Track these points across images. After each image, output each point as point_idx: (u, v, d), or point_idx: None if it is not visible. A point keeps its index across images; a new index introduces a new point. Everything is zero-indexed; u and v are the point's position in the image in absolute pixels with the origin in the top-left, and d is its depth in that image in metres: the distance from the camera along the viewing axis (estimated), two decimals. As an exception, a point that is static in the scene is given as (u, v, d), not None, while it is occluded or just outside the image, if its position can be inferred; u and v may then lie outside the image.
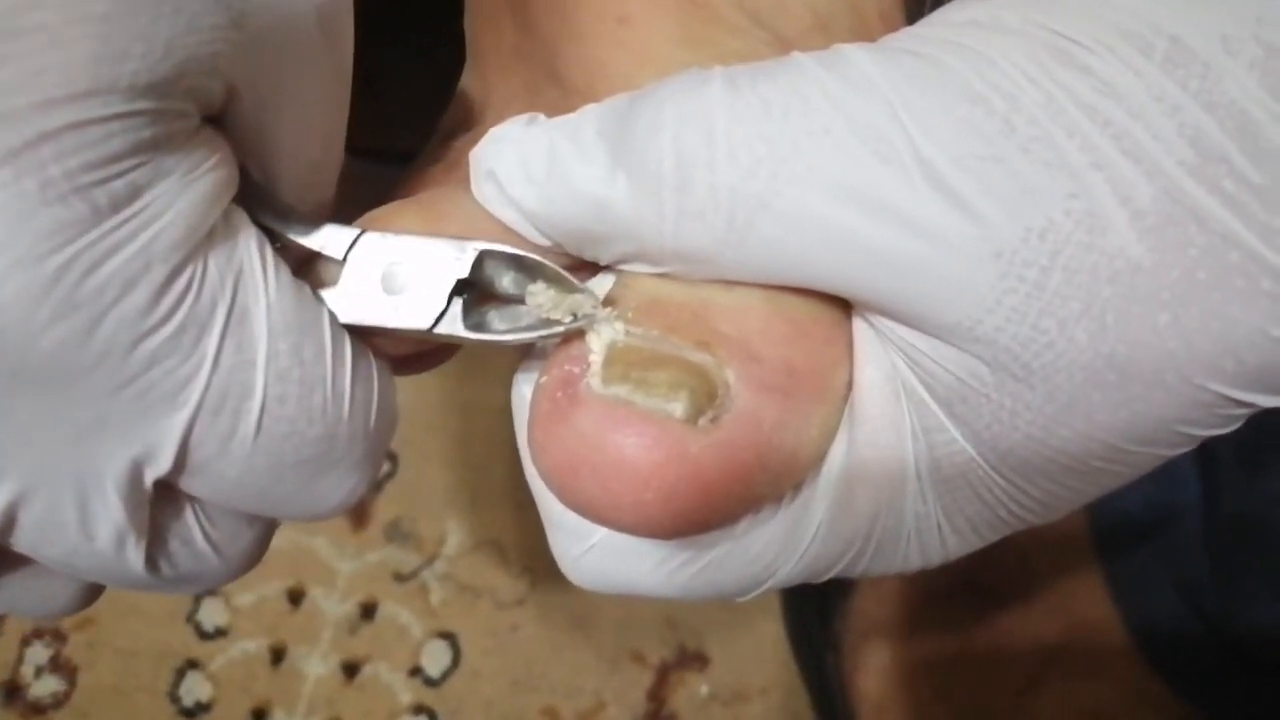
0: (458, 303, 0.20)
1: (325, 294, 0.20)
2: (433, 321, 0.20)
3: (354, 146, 0.46)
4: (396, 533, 0.66)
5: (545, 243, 0.21)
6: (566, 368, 0.19)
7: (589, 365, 0.19)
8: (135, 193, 0.16)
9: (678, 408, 0.18)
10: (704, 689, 0.62)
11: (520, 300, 0.20)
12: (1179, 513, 0.47)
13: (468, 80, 0.28)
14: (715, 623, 0.63)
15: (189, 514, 0.20)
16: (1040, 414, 0.17)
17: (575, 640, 0.63)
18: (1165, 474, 0.48)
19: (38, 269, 0.15)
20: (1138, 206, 0.16)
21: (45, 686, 0.63)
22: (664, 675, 0.62)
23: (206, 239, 0.18)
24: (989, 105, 0.17)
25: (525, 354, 0.23)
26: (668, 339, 0.19)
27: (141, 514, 0.19)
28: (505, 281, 0.21)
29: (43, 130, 0.15)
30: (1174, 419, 0.17)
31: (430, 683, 0.63)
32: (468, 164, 0.22)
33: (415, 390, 0.65)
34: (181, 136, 0.17)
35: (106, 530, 0.18)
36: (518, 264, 0.20)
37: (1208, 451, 0.46)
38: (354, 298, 0.20)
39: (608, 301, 0.21)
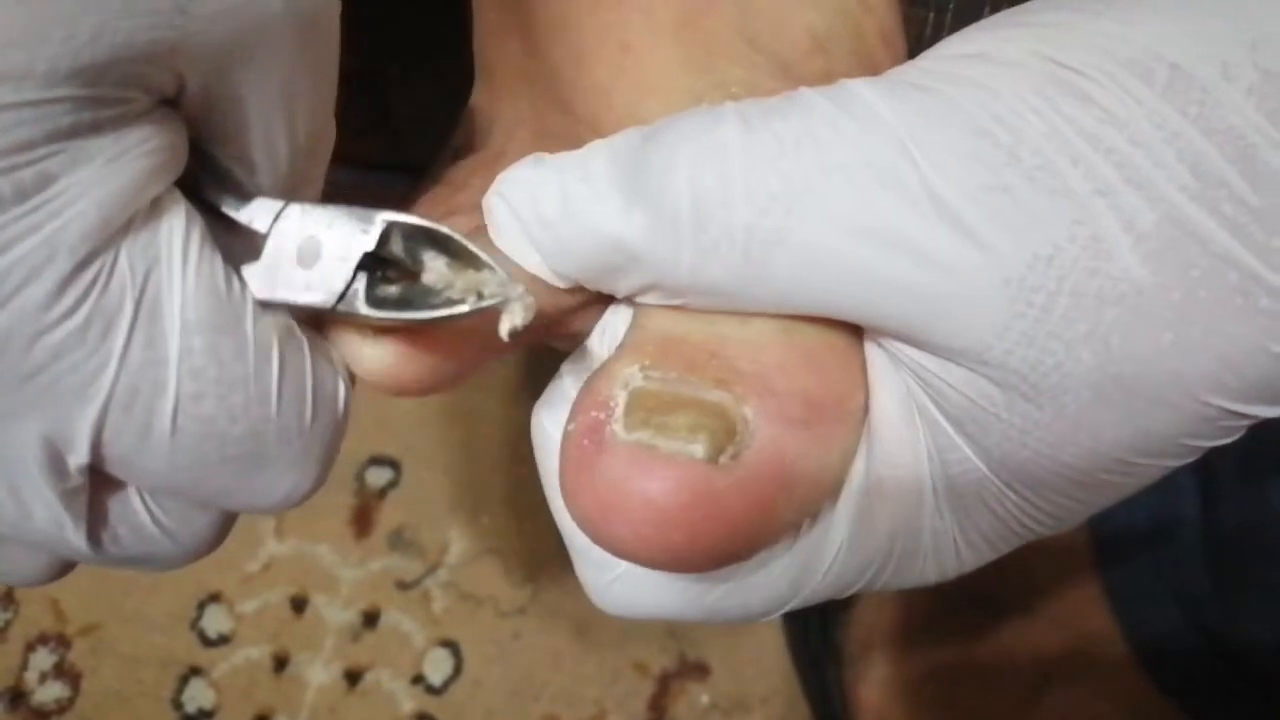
0: (361, 277, 0.19)
1: (246, 270, 0.20)
2: (336, 298, 0.19)
3: (364, 161, 0.47)
4: (399, 541, 0.66)
5: (563, 284, 0.21)
6: (592, 414, 0.20)
7: (612, 410, 0.19)
8: (45, 181, 0.16)
9: (699, 449, 0.19)
10: (705, 698, 0.62)
11: (420, 265, 0.20)
12: (1179, 526, 0.48)
13: (476, 99, 0.28)
14: (716, 632, 0.63)
15: (133, 498, 0.20)
16: (1049, 432, 0.18)
17: (577, 649, 0.63)
18: (1165, 487, 0.48)
19: None
20: (1140, 231, 0.16)
21: (49, 692, 0.63)
22: (665, 684, 0.62)
23: (123, 228, 0.17)
24: (994, 138, 0.17)
25: (531, 371, 0.23)
26: (686, 379, 0.20)
27: (75, 497, 0.19)
28: (420, 257, 0.20)
29: None
30: (1178, 433, 0.18)
31: (432, 691, 0.63)
32: (475, 188, 0.22)
33: (418, 399, 0.65)
34: (111, 122, 0.17)
35: (41, 511, 0.18)
36: (429, 237, 0.20)
37: (1207, 465, 0.46)
38: (270, 272, 0.20)
39: (626, 343, 0.21)
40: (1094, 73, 0.17)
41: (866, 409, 0.21)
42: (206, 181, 0.20)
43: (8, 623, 0.64)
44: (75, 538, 0.19)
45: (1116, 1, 0.18)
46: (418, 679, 0.63)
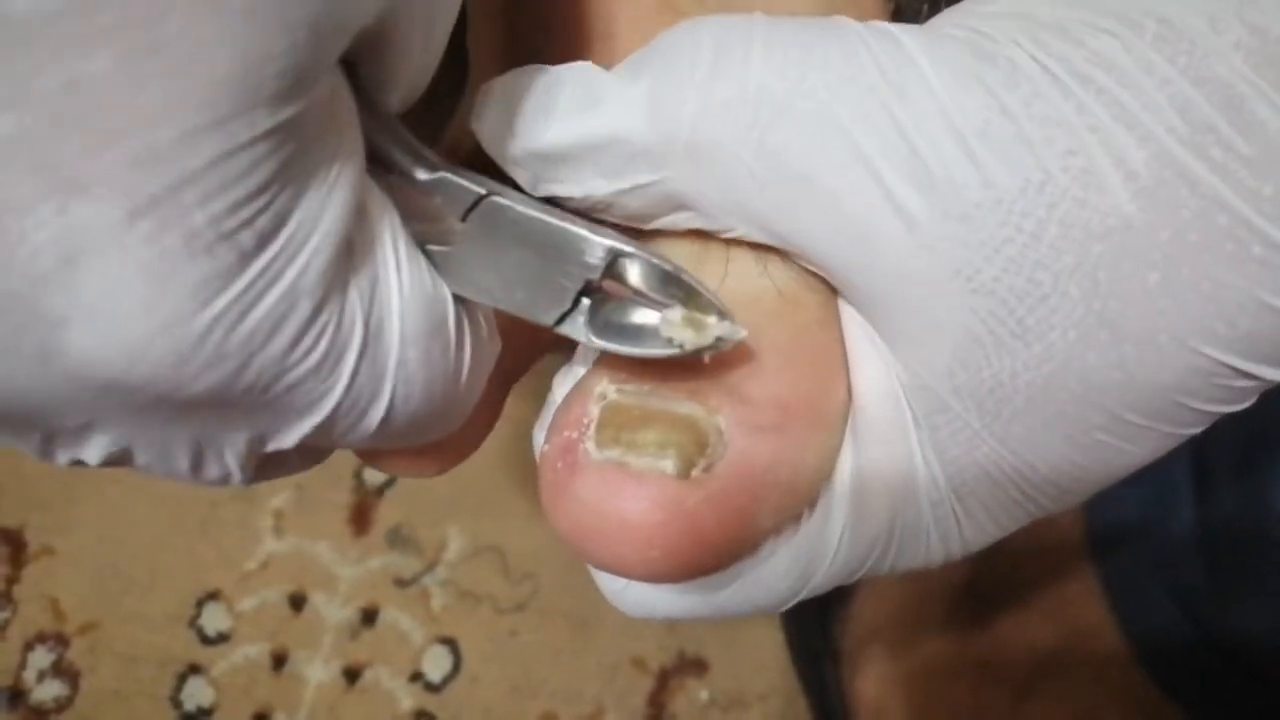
0: (585, 303, 0.19)
1: (438, 254, 0.19)
2: (556, 319, 0.19)
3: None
4: (397, 538, 0.66)
5: (527, 175, 0.20)
6: (565, 434, 0.20)
7: (586, 428, 0.19)
8: (280, 222, 0.14)
9: (669, 464, 0.19)
10: (704, 695, 0.63)
11: (645, 298, 0.19)
12: (1173, 520, 0.48)
13: (469, 94, 0.28)
14: (714, 629, 0.63)
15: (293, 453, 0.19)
16: (1039, 374, 0.18)
17: (575, 646, 0.63)
18: (1160, 481, 0.48)
19: (185, 329, 0.14)
20: (1131, 168, 0.16)
21: (48, 691, 0.63)
22: (664, 681, 0.63)
23: (348, 253, 0.16)
24: (995, 63, 0.17)
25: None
26: (658, 391, 0.20)
27: (251, 461, 0.18)
28: (633, 277, 0.19)
29: (187, 170, 0.13)
30: (1172, 386, 0.17)
31: (431, 688, 0.63)
32: None
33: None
34: (317, 129, 0.15)
35: (215, 474, 0.18)
36: (658, 273, 0.19)
37: (1201, 459, 0.46)
38: (471, 270, 0.19)
39: (602, 356, 0.21)
40: (1085, 23, 0.17)
41: (850, 397, 0.21)
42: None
43: (6, 621, 0.64)
44: (235, 481, 0.18)
45: None
46: (416, 676, 0.63)
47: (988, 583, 0.53)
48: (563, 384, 0.23)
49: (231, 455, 0.17)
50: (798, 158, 0.18)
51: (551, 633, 0.64)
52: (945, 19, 0.19)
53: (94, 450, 0.16)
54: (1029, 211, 0.17)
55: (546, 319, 0.19)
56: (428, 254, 0.19)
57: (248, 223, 0.14)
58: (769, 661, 0.62)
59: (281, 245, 0.14)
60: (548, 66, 0.20)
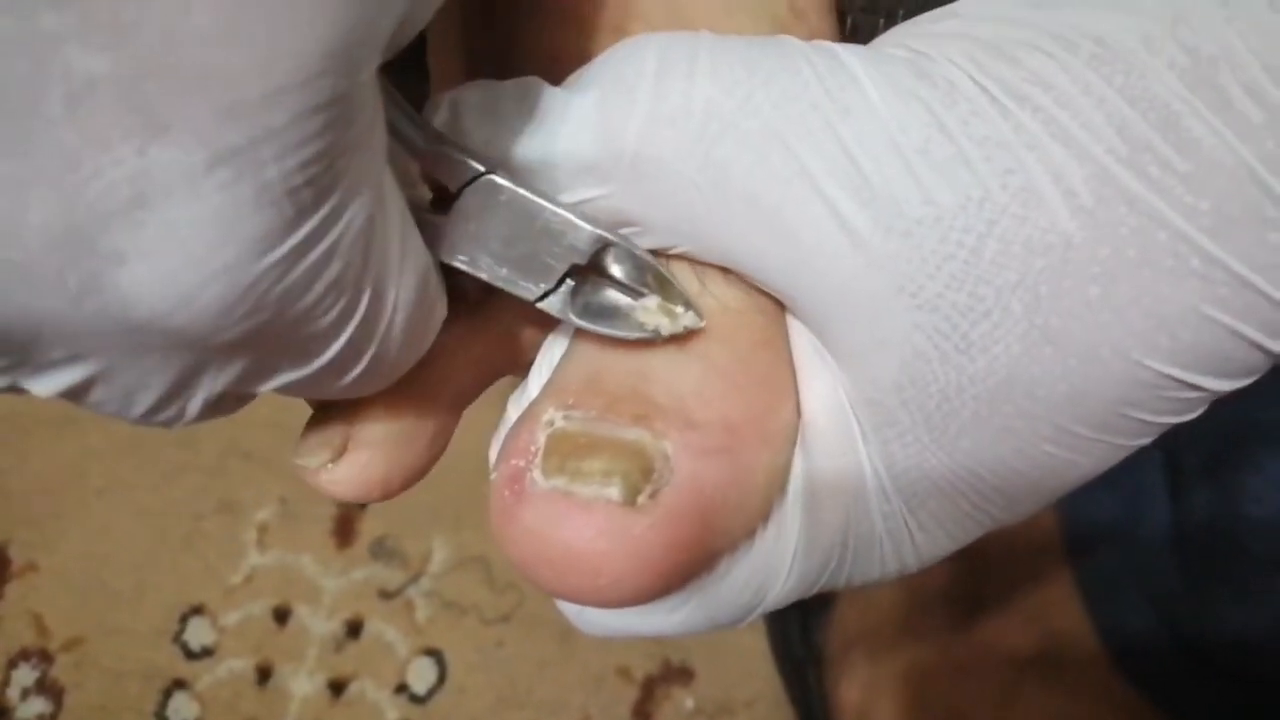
0: (567, 284, 0.20)
1: (429, 222, 0.19)
2: (539, 295, 0.20)
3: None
4: (381, 550, 0.66)
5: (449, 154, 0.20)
6: (513, 462, 0.20)
7: (533, 456, 0.19)
8: (335, 182, 0.14)
9: (614, 491, 0.19)
10: (689, 703, 0.63)
11: (623, 286, 0.20)
12: (1148, 523, 0.48)
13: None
14: (699, 637, 0.63)
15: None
16: (984, 388, 0.18)
17: (561, 656, 0.63)
18: (1134, 485, 0.49)
19: (238, 278, 0.14)
20: (1069, 186, 0.17)
21: (32, 708, 0.63)
22: (649, 690, 0.63)
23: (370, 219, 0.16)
24: (933, 82, 0.18)
25: (510, 381, 0.24)
26: (605, 418, 0.20)
27: (211, 404, 0.18)
28: (614, 266, 0.20)
29: (269, 126, 0.13)
30: (1116, 398, 0.18)
31: (416, 700, 0.63)
32: None
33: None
34: (370, 91, 0.15)
35: (169, 416, 0.17)
36: (636, 263, 0.20)
37: (1174, 462, 0.47)
38: (461, 241, 0.20)
39: (551, 382, 0.21)
40: (1021, 43, 0.17)
41: (798, 413, 0.21)
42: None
43: (-10, 638, 0.64)
44: (185, 421, 0.18)
45: None
46: (402, 688, 0.63)
47: (967, 588, 0.53)
48: (516, 405, 0.23)
49: (201, 398, 0.17)
50: (742, 173, 0.18)
51: (537, 643, 0.64)
52: (888, 38, 0.20)
53: (54, 383, 0.15)
54: (969, 228, 0.17)
55: (529, 294, 0.20)
56: (419, 221, 0.19)
57: (312, 181, 0.14)
58: (754, 669, 0.63)
59: (333, 205, 0.15)
60: (492, 81, 0.21)
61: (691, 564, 0.20)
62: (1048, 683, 0.51)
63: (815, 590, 0.22)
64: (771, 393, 0.21)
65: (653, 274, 0.20)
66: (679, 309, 0.20)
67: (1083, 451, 0.19)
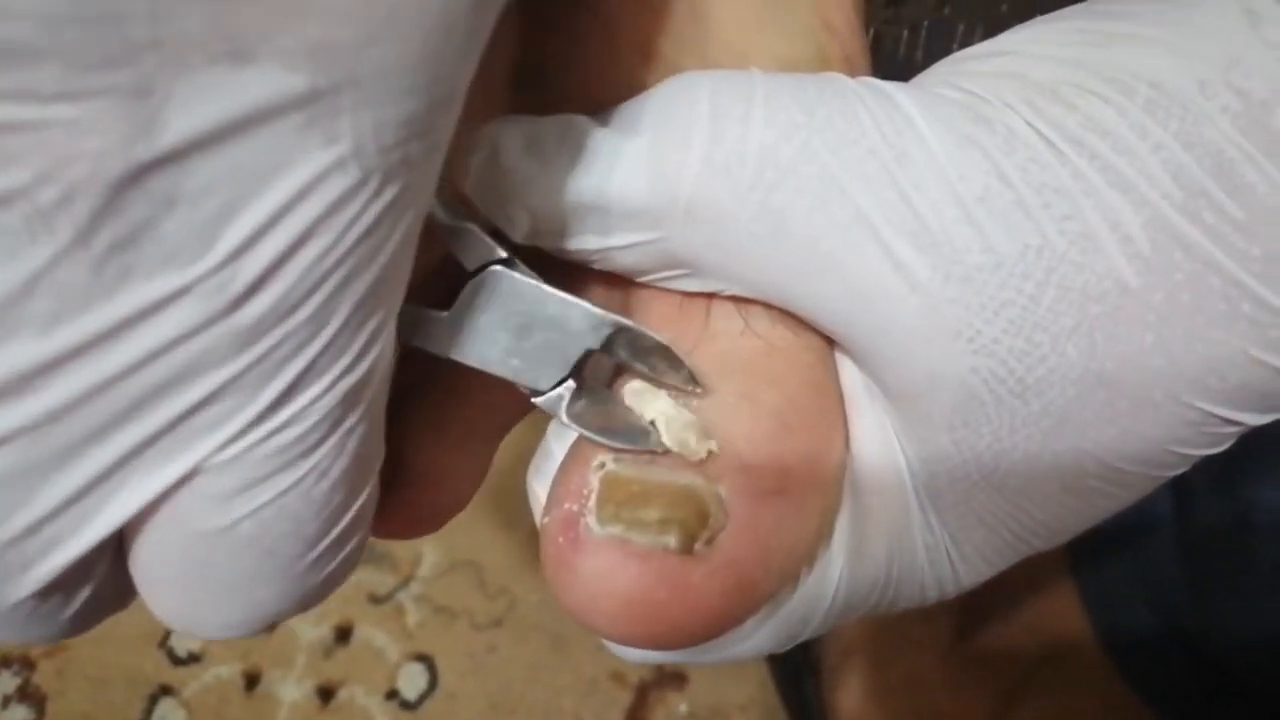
0: (570, 384, 0.20)
1: (435, 319, 0.19)
2: (548, 388, 0.20)
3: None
4: (371, 554, 0.65)
5: (522, 231, 0.20)
6: (566, 506, 0.19)
7: (586, 499, 0.19)
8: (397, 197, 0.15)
9: (671, 540, 0.18)
10: (683, 708, 0.62)
11: (632, 371, 0.20)
12: (1152, 528, 0.48)
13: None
14: (693, 641, 0.63)
15: None
16: (1037, 429, 0.18)
17: (553, 661, 0.63)
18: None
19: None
20: (1126, 233, 0.17)
21: (14, 716, 0.62)
22: (643, 695, 0.62)
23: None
24: (992, 128, 0.17)
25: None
26: (657, 460, 0.19)
27: None
28: (624, 354, 0.20)
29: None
30: (1164, 437, 0.18)
31: (407, 706, 0.62)
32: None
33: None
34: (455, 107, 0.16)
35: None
36: (658, 353, 0.20)
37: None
38: (469, 336, 0.19)
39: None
40: (1078, 87, 0.17)
41: (847, 450, 0.21)
42: None
43: (-30, 645, 0.63)
44: None
45: (1093, 33, 0.18)
46: (392, 694, 0.62)
47: (968, 595, 0.53)
48: (558, 434, 0.23)
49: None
50: (799, 220, 0.18)
51: (529, 648, 0.63)
52: (936, 76, 0.19)
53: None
54: (1028, 274, 0.17)
55: (540, 388, 0.20)
56: (424, 318, 0.19)
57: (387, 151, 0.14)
58: (748, 674, 0.62)
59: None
60: (535, 117, 0.20)
61: (747, 607, 0.20)
62: (1049, 690, 0.51)
63: (857, 617, 0.22)
64: (822, 433, 0.20)
65: (664, 357, 0.20)
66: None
67: (1125, 485, 0.19)
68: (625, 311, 0.22)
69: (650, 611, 0.18)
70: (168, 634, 0.63)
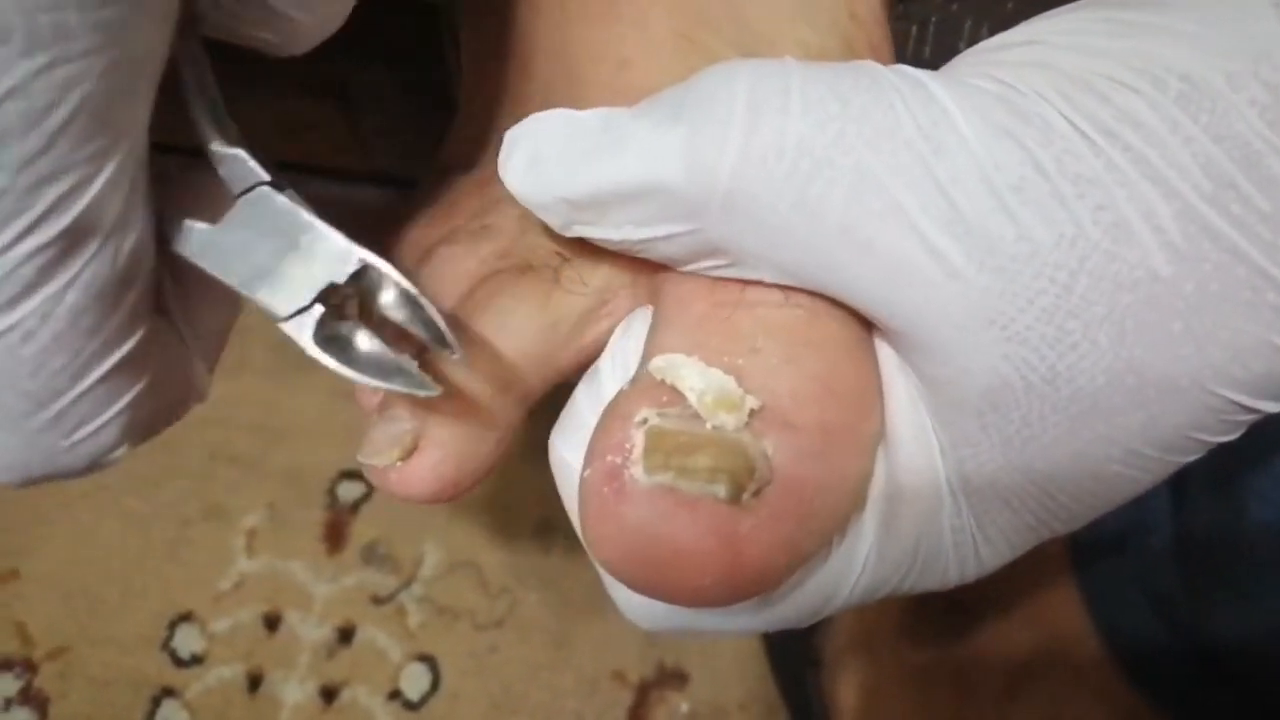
0: (317, 309, 0.19)
1: (199, 230, 0.19)
2: (288, 313, 0.19)
3: (330, 169, 0.46)
4: (373, 555, 0.65)
5: (560, 221, 0.20)
6: (609, 459, 0.19)
7: (629, 453, 0.19)
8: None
9: (721, 489, 0.18)
10: (684, 706, 0.62)
11: (385, 322, 0.20)
12: (1151, 526, 0.48)
13: (465, 118, 0.28)
14: (694, 640, 0.63)
15: None
16: (1066, 416, 0.18)
17: (555, 661, 0.63)
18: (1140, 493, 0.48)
19: None
20: (1157, 223, 0.17)
21: (16, 718, 0.62)
22: (644, 694, 0.62)
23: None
24: (1028, 120, 0.18)
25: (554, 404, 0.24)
26: (699, 418, 0.19)
27: None
28: (382, 300, 0.20)
29: None
30: (1187, 424, 0.18)
31: (410, 706, 0.62)
32: (467, 210, 0.21)
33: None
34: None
35: None
36: (405, 299, 0.20)
37: (1179, 470, 0.47)
38: (224, 252, 0.19)
39: (639, 378, 0.21)
40: (1110, 78, 0.18)
41: (883, 423, 0.21)
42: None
43: (-28, 648, 0.63)
44: None
45: (1121, 23, 0.18)
46: (395, 694, 0.62)
47: (968, 592, 0.53)
48: (589, 395, 0.23)
49: None
50: (837, 210, 0.18)
51: (531, 648, 0.63)
52: (968, 65, 0.19)
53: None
54: (1062, 264, 0.17)
55: (279, 312, 0.20)
56: (187, 229, 0.19)
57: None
58: (748, 671, 0.62)
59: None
60: (572, 111, 0.20)
61: (789, 566, 0.20)
62: (1048, 685, 0.51)
63: (878, 598, 0.22)
64: (861, 400, 0.21)
65: (409, 305, 0.20)
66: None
67: (1147, 470, 0.19)
68: (657, 280, 0.23)
69: (699, 561, 0.18)
70: (170, 636, 0.63)
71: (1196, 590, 0.45)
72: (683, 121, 0.19)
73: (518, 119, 0.22)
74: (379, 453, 0.23)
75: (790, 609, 0.22)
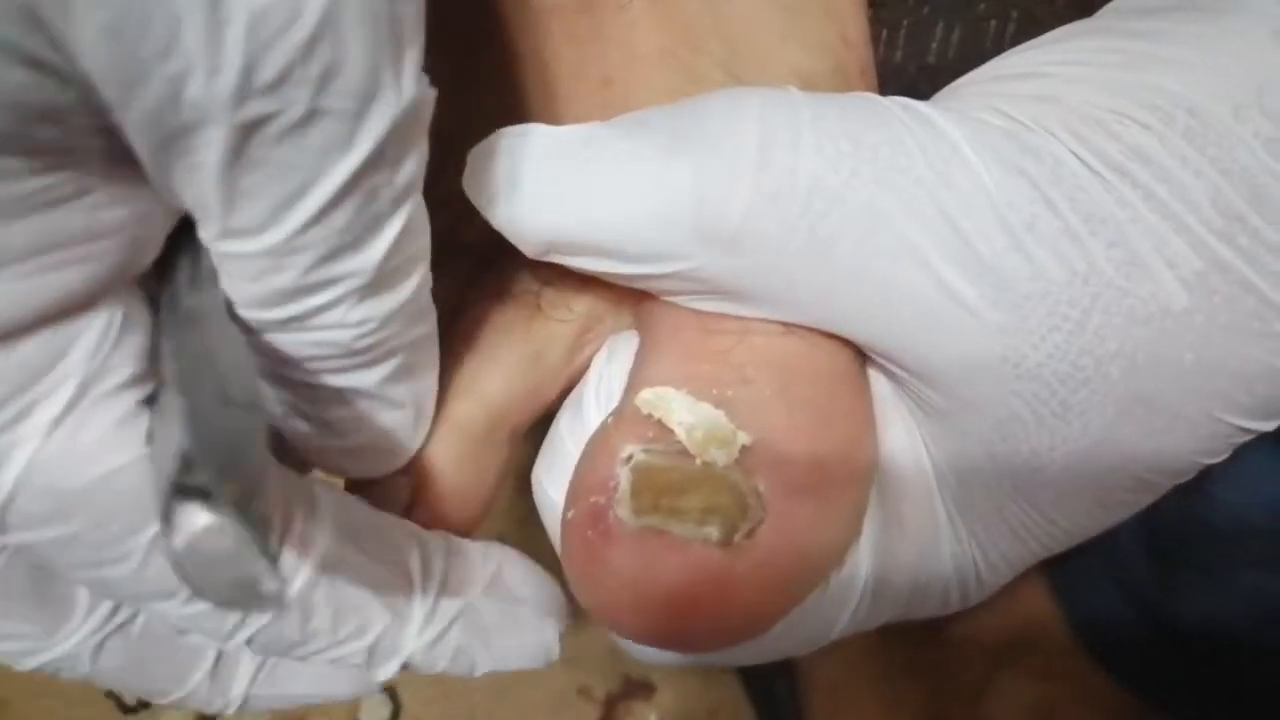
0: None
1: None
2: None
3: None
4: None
5: (535, 248, 0.19)
6: (592, 499, 0.19)
7: (614, 491, 0.19)
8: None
9: (713, 532, 0.18)
10: (652, 717, 0.61)
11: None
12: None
13: (434, 144, 0.27)
14: (660, 649, 0.62)
15: None
16: (1076, 447, 0.18)
17: (519, 680, 0.62)
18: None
19: None
20: (1169, 258, 0.17)
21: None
22: (611, 708, 0.61)
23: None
24: (1039, 158, 0.18)
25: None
26: (687, 452, 0.19)
27: None
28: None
29: None
30: (1193, 450, 0.18)
31: (372, 738, 0.61)
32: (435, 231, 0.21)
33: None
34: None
35: None
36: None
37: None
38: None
39: (623, 411, 0.20)
40: (1117, 114, 0.18)
41: (876, 454, 0.21)
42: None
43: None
44: None
45: (1126, 54, 0.18)
46: (355, 727, 0.61)
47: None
48: (571, 425, 0.22)
49: None
50: (848, 250, 0.18)
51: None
52: (973, 98, 0.19)
53: None
54: (1075, 301, 0.17)
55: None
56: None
57: None
58: (713, 678, 0.62)
59: None
60: (548, 126, 0.19)
61: (784, 606, 0.19)
62: (1020, 674, 0.51)
63: (880, 624, 0.22)
64: (855, 430, 0.20)
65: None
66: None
67: (1150, 492, 0.19)
68: (644, 305, 0.22)
69: (689, 608, 0.18)
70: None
71: (1163, 574, 0.46)
72: (688, 154, 0.18)
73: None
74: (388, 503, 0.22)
75: (788, 642, 0.21)
